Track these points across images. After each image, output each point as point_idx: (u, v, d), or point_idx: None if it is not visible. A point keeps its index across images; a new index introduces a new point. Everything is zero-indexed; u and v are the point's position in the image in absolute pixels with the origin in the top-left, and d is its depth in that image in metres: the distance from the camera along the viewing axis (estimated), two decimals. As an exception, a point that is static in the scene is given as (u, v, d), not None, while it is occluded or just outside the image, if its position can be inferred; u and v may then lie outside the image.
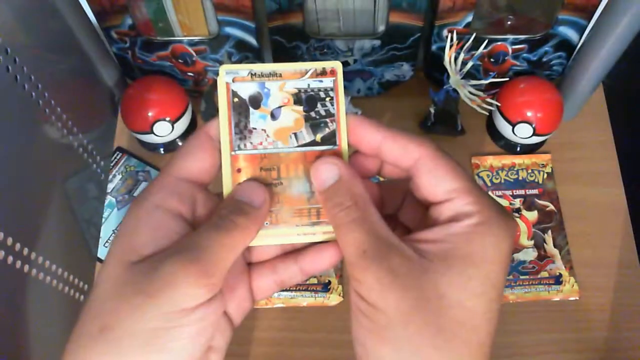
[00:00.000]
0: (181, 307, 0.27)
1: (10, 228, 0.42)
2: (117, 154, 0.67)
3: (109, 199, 0.64)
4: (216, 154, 0.32)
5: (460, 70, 0.59)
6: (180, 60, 0.64)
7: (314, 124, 0.32)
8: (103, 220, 0.63)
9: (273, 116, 0.32)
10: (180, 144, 0.67)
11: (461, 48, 0.58)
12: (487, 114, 0.65)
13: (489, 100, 0.60)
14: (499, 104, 0.63)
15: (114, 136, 0.68)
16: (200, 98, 0.65)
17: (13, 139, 0.45)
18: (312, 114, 0.32)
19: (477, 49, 0.60)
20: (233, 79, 0.32)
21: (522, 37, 0.61)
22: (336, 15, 0.60)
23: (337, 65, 0.33)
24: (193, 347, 0.28)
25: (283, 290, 0.59)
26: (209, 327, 0.28)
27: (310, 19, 0.60)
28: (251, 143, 0.32)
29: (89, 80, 0.64)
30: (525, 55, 0.64)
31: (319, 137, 0.32)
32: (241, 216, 0.30)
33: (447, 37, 0.59)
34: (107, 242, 0.63)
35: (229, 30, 0.60)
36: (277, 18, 0.59)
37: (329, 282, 0.60)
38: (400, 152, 0.30)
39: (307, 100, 0.33)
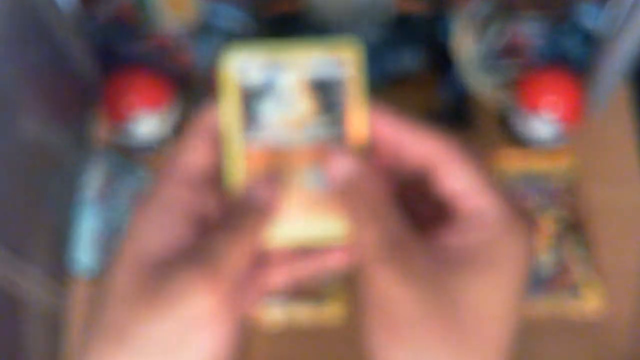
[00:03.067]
0: (194, 314, 0.28)
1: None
2: (97, 151, 0.65)
3: (87, 198, 0.63)
4: (220, 147, 0.31)
5: (472, 60, 0.58)
6: (165, 50, 0.62)
7: (328, 114, 0.31)
8: (80, 222, 0.62)
9: (283, 106, 0.30)
10: (166, 140, 0.65)
11: (472, 36, 0.57)
12: (501, 107, 0.63)
13: (502, 92, 0.59)
14: (514, 97, 0.61)
15: (94, 132, 0.67)
16: (188, 91, 0.63)
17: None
18: (326, 103, 0.31)
19: (490, 37, 0.59)
20: (240, 65, 0.30)
21: (540, 24, 0.60)
22: (338, 2, 0.59)
23: (354, 50, 0.31)
24: (206, 353, 0.29)
25: (281, 300, 0.58)
26: (222, 333, 0.29)
27: (310, 5, 0.59)
28: (259, 135, 0.30)
29: (66, 71, 0.62)
30: (543, 44, 0.61)
31: (332, 128, 0.31)
32: (250, 217, 0.30)
33: (457, 24, 0.58)
34: (84, 245, 0.61)
35: (219, 17, 0.59)
36: (273, 5, 0.58)
37: (330, 292, 0.59)
38: (417, 145, 0.30)
39: (321, 89, 0.31)
